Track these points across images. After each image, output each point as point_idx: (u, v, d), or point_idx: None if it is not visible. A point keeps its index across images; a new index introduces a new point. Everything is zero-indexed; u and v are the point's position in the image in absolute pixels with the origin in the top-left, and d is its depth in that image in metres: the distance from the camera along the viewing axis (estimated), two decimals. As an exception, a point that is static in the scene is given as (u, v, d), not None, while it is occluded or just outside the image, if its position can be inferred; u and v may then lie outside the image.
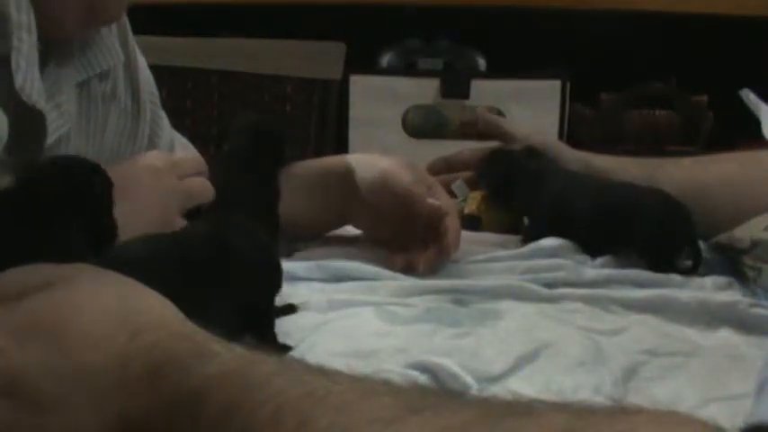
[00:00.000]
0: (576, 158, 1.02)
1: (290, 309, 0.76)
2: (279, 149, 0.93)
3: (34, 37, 0.76)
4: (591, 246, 0.92)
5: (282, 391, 0.44)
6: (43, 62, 0.79)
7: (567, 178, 0.97)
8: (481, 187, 1.06)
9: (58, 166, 0.65)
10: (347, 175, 0.94)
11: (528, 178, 0.98)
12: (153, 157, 0.87)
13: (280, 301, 0.79)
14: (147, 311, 0.50)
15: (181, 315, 0.51)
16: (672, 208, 0.90)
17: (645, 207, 0.90)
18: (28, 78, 0.75)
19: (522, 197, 1.00)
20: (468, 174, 1.08)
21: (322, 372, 0.46)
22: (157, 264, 0.62)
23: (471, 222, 1.05)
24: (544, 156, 1.01)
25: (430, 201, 0.89)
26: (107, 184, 0.66)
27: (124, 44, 0.91)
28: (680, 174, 0.98)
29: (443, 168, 1.06)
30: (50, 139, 0.80)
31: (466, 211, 1.06)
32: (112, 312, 0.49)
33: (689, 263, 0.89)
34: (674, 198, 0.90)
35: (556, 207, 0.96)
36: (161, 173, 0.84)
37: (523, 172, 0.99)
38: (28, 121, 0.77)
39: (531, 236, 0.96)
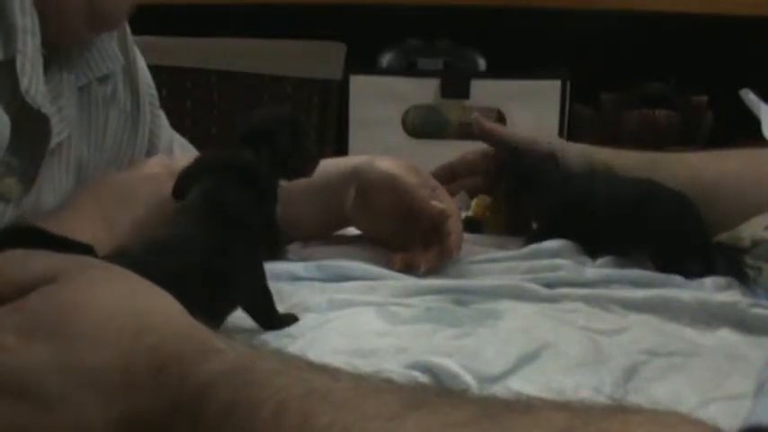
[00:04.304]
0: (578, 153, 1.02)
1: (291, 318, 0.76)
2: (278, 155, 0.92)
3: (38, 41, 0.76)
4: (600, 249, 0.92)
5: (284, 388, 0.44)
6: (46, 67, 0.79)
7: (579, 183, 0.96)
8: (498, 191, 1.04)
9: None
10: (350, 177, 0.94)
11: (541, 183, 0.97)
12: (152, 165, 0.87)
13: (280, 302, 0.79)
14: (152, 310, 0.50)
15: (185, 313, 0.51)
16: (686, 209, 0.90)
17: (658, 209, 0.90)
18: (33, 82, 0.75)
19: (534, 201, 0.99)
20: (469, 182, 1.08)
21: (324, 369, 0.46)
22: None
23: (472, 226, 1.05)
24: (558, 161, 1.00)
25: (434, 203, 0.89)
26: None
27: (124, 48, 0.92)
28: (684, 171, 0.98)
29: (447, 176, 1.05)
30: (52, 143, 0.80)
31: (469, 214, 1.07)
32: (117, 311, 0.49)
33: (695, 267, 0.88)
34: (688, 199, 0.90)
35: (567, 212, 0.95)
36: (160, 181, 0.84)
37: (538, 177, 0.98)
38: (31, 125, 0.77)
39: (536, 240, 0.96)
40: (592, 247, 0.93)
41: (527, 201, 0.99)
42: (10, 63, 0.75)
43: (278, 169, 0.75)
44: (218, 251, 0.68)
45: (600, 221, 0.93)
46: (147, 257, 0.64)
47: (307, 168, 0.80)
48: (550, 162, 0.99)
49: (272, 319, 0.74)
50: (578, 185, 0.96)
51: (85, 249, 0.60)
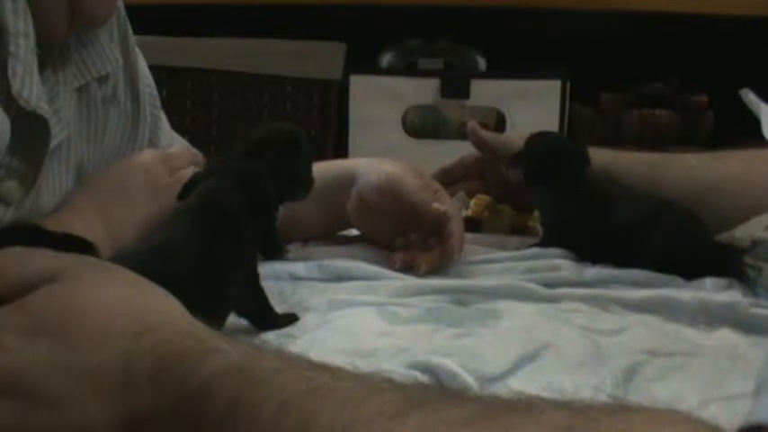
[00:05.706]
0: None
1: (290, 318, 0.76)
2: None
3: (32, 42, 0.76)
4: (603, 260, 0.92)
5: (286, 386, 0.44)
6: (41, 68, 0.79)
7: (583, 199, 0.95)
8: (518, 170, 1.02)
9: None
10: (351, 178, 0.94)
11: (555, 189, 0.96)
12: (145, 156, 0.88)
13: (280, 302, 0.79)
14: (153, 309, 0.51)
15: (186, 313, 0.51)
16: (694, 226, 0.89)
17: (660, 231, 0.89)
18: (26, 84, 0.75)
19: (544, 202, 0.98)
20: (468, 184, 1.08)
21: (325, 368, 0.46)
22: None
23: (472, 225, 1.05)
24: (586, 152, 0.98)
25: (435, 205, 0.89)
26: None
27: (125, 48, 0.91)
28: (684, 172, 0.98)
29: (444, 180, 1.05)
30: (52, 144, 0.80)
31: (468, 213, 1.07)
32: (118, 311, 0.49)
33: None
34: (696, 215, 0.90)
35: (568, 228, 0.95)
36: (154, 170, 0.85)
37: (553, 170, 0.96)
38: (29, 127, 0.77)
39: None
40: (595, 259, 0.92)
41: (534, 193, 0.99)
42: (2, 66, 0.74)
43: (274, 184, 0.75)
44: (209, 252, 0.68)
45: (605, 239, 0.92)
46: (142, 258, 0.65)
47: (298, 191, 0.80)
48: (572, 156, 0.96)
49: (268, 320, 0.74)
50: (583, 201, 0.95)
51: (86, 245, 0.60)
